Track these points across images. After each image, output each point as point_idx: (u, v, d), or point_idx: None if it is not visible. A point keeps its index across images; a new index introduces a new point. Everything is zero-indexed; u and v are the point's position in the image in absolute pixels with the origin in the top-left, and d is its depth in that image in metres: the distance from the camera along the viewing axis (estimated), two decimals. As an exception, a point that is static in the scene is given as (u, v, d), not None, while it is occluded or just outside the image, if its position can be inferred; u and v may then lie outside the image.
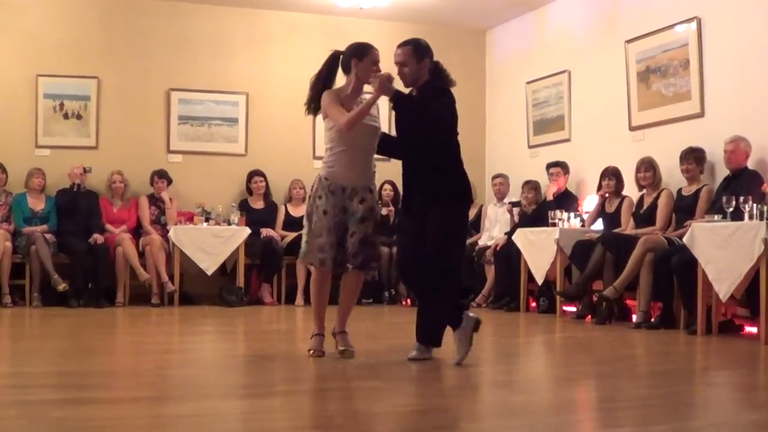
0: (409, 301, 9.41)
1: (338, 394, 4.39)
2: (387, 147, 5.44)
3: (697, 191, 7.48)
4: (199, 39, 10.36)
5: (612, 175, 8.41)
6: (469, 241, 9.00)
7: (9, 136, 9.67)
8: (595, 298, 7.96)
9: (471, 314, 5.08)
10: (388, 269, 9.73)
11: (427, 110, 5.06)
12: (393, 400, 4.32)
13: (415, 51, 5.18)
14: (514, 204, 9.62)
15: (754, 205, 6.30)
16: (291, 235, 9.82)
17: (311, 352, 5.36)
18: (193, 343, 6.84)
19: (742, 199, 6.39)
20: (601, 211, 8.56)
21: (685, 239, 6.77)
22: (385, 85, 5.02)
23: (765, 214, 6.20)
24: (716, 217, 6.64)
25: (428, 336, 5.28)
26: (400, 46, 5.24)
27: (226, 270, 9.56)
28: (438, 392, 4.52)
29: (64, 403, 4.02)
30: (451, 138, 5.19)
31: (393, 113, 5.30)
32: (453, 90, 5.18)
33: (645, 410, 3.97)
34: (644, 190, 8.04)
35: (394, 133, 5.45)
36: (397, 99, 5.07)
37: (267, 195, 10.17)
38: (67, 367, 5.20)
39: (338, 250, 5.27)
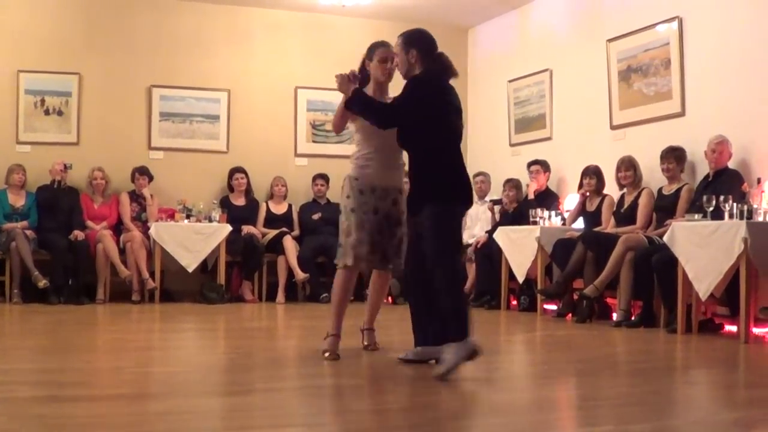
0: (390, 299, 9.34)
1: (319, 392, 4.38)
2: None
3: (678, 190, 7.51)
4: (180, 36, 10.32)
5: (593, 173, 8.44)
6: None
7: (-11, 132, 9.62)
8: (575, 297, 7.99)
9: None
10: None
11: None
12: (374, 398, 4.33)
13: (404, 42, 5.04)
14: (495, 202, 9.64)
15: (734, 204, 6.34)
16: (272, 233, 9.81)
17: (327, 354, 5.18)
18: (174, 341, 6.82)
19: (722, 198, 6.43)
20: (581, 210, 8.59)
21: (665, 238, 6.80)
22: (340, 84, 5.02)
23: (745, 213, 6.24)
24: (696, 216, 6.67)
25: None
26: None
27: (206, 267, 9.54)
28: (419, 390, 4.51)
29: (44, 401, 4.00)
30: (419, 133, 4.91)
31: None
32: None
33: (625, 408, 3.99)
34: (625, 189, 8.07)
35: None
36: (348, 100, 5.00)
37: (248, 192, 10.14)
38: (47, 364, 5.19)
39: (375, 248, 5.22)
